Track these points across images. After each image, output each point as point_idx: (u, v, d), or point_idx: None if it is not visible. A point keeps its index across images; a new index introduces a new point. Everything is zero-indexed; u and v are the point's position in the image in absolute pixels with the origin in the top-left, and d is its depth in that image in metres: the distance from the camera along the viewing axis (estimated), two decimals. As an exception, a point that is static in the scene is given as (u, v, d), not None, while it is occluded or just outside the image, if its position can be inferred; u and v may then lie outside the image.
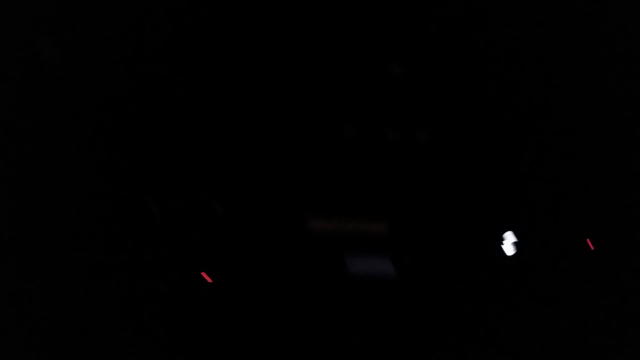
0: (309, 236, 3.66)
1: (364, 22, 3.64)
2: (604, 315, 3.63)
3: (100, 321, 3.39)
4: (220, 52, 3.57)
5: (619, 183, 3.72)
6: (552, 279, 3.74)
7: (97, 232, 3.46)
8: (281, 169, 3.65)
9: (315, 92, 3.63)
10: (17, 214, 3.37)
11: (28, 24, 3.37)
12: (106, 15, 3.43)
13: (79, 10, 3.41)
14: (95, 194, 3.47)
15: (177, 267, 3.52)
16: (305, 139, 3.67)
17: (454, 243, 3.75)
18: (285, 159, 3.65)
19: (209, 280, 3.52)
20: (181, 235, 3.53)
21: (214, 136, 3.59)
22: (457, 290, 3.71)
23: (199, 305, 3.53)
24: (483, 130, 3.71)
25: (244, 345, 3.51)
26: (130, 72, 3.49)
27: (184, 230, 3.53)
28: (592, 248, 3.72)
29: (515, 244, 3.75)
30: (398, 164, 3.72)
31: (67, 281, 3.39)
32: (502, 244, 3.75)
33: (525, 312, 3.69)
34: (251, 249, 3.61)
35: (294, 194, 3.65)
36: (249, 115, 3.64)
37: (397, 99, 3.67)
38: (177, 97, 3.55)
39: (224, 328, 3.52)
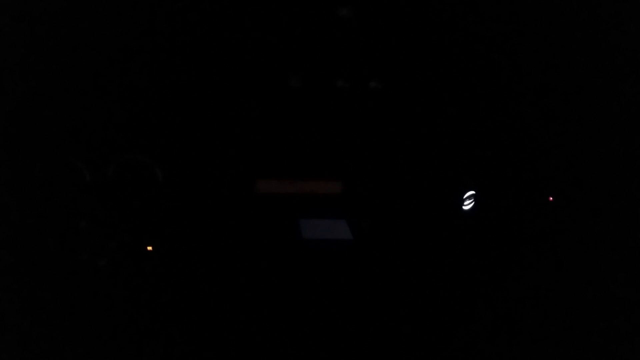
0: (258, 200, 3.41)
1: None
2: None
3: (40, 297, 3.14)
4: None
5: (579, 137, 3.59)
6: (514, 236, 3.63)
7: (27, 202, 3.16)
8: (225, 128, 3.36)
9: (257, 37, 3.32)
10: None
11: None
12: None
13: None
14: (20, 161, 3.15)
15: (116, 237, 3.25)
16: (249, 92, 3.37)
17: (413, 202, 3.57)
18: (229, 116, 3.36)
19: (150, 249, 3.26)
20: (118, 202, 3.25)
21: (153, 93, 3.27)
22: (416, 252, 3.56)
23: (141, 276, 3.28)
24: (444, 78, 3.48)
25: (191, 317, 3.31)
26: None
27: (121, 197, 3.24)
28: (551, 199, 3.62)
29: (475, 201, 3.60)
30: (350, 117, 3.47)
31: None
32: (463, 202, 3.60)
33: (487, 273, 3.59)
34: (196, 215, 3.35)
35: (240, 154, 3.38)
36: (190, 65, 3.31)
37: (345, 44, 3.39)
38: (116, 56, 3.22)
39: (169, 298, 3.31)
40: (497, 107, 3.59)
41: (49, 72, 3.14)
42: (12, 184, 3.14)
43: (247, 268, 3.38)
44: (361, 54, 3.40)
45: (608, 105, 3.55)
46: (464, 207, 3.61)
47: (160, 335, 3.22)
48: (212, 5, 3.24)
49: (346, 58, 3.40)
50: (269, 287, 3.39)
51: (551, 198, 3.64)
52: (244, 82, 3.36)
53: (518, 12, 3.43)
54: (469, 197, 3.61)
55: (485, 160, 3.63)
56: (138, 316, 3.23)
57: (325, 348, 3.38)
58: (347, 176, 3.50)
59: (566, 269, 3.61)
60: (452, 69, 3.50)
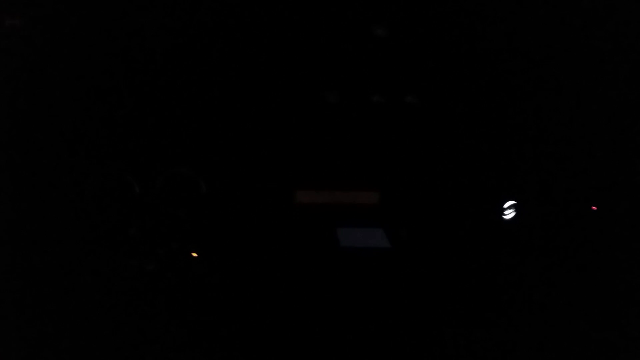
0: (297, 209, 3.54)
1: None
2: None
3: (87, 302, 3.37)
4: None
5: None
6: (554, 246, 3.59)
7: (80, 212, 3.40)
8: (266, 141, 3.50)
9: (296, 54, 3.44)
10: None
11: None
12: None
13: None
14: (75, 174, 3.40)
15: (164, 244, 3.45)
16: (289, 106, 3.49)
17: (450, 212, 3.60)
18: (268, 129, 3.50)
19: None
20: (165, 212, 3.45)
21: (195, 109, 3.45)
22: (454, 261, 3.58)
23: (187, 282, 3.47)
24: (478, 94, 3.50)
25: (234, 322, 3.47)
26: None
27: (167, 207, 3.45)
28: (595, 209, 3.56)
29: (514, 211, 3.59)
30: (387, 130, 3.54)
31: (53, 263, 3.37)
32: (503, 212, 3.59)
33: (527, 284, 3.56)
34: (237, 224, 3.51)
35: (280, 165, 3.51)
36: (232, 81, 3.47)
37: (383, 60, 3.46)
38: (158, 74, 3.42)
39: (213, 304, 3.47)
40: (538, 116, 3.56)
41: (100, 92, 3.38)
42: (71, 196, 3.40)
43: (287, 276, 3.51)
44: (397, 70, 3.48)
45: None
46: (504, 217, 3.60)
47: (203, 340, 3.40)
48: (253, 22, 3.39)
49: (382, 74, 3.48)
50: (308, 295, 3.50)
51: (594, 207, 3.59)
52: (283, 97, 3.49)
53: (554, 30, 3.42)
54: (509, 207, 3.60)
55: (526, 169, 3.61)
56: (182, 318, 3.42)
57: (363, 356, 3.45)
58: (384, 186, 3.57)
59: (610, 280, 3.54)
60: (490, 81, 3.51)
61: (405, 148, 3.55)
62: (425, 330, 3.50)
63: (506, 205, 3.60)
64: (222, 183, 3.48)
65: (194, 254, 3.47)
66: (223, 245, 3.51)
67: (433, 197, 3.60)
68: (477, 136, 3.55)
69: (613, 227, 3.56)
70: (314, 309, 3.48)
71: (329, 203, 3.55)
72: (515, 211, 3.60)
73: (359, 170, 3.56)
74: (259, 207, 3.51)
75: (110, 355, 3.33)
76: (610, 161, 3.53)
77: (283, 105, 3.48)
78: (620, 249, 3.54)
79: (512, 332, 3.52)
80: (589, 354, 3.45)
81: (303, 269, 3.53)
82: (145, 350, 3.35)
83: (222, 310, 3.46)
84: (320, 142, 3.52)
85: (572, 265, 3.58)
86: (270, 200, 3.52)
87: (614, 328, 3.47)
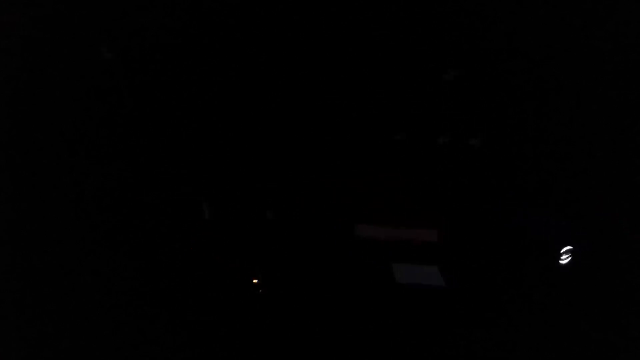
0: (357, 242, 3.59)
1: (421, 26, 3.54)
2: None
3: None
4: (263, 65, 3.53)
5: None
6: (610, 291, 3.55)
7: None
8: (330, 174, 3.61)
9: (365, 94, 3.60)
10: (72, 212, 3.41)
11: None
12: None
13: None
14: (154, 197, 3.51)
15: (228, 269, 3.54)
16: (354, 143, 3.63)
17: (508, 255, 3.59)
18: (333, 163, 3.62)
19: (257, 283, 3.53)
20: (232, 238, 3.57)
21: (267, 143, 3.61)
22: (509, 302, 3.56)
23: (248, 308, 3.52)
24: (537, 138, 3.54)
25: (293, 348, 3.47)
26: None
27: (235, 234, 3.57)
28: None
29: (572, 255, 3.56)
30: (450, 169, 3.60)
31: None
32: (560, 256, 3.58)
33: (581, 327, 3.52)
34: (299, 254, 3.59)
35: (343, 199, 3.60)
36: (300, 122, 3.63)
37: (450, 103, 3.54)
38: (224, 102, 3.57)
39: (272, 333, 3.50)
40: (595, 163, 3.58)
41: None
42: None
43: (344, 307, 3.53)
44: (462, 113, 3.56)
45: None
46: (561, 262, 3.59)
47: None
48: (329, 69, 3.52)
49: (449, 116, 3.59)
50: (364, 327, 3.51)
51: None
52: (352, 134, 3.64)
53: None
54: (566, 252, 3.58)
55: (584, 214, 3.61)
56: (241, 342, 3.44)
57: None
58: (444, 225, 3.60)
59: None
60: (551, 124, 3.56)
61: (467, 188, 3.61)
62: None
63: (563, 250, 3.57)
64: (285, 212, 3.60)
65: (255, 280, 3.53)
66: (283, 274, 3.57)
67: (491, 237, 3.60)
68: (537, 181, 3.60)
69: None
70: (368, 341, 3.47)
71: (388, 238, 3.60)
72: (571, 256, 3.57)
73: (420, 207, 3.61)
74: (320, 238, 3.59)
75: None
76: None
77: (351, 140, 3.62)
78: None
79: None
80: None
81: (359, 301, 3.54)
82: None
83: (280, 339, 3.48)
84: (384, 177, 3.61)
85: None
86: (330, 232, 3.60)
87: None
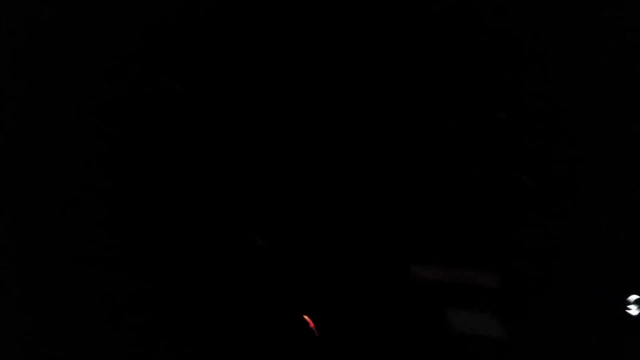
0: (413, 283, 3.45)
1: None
2: None
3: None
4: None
5: None
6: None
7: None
8: (387, 214, 3.55)
9: (425, 135, 3.59)
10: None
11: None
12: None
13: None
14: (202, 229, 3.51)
15: (279, 307, 3.43)
16: (412, 185, 3.59)
17: (572, 305, 3.45)
18: (391, 204, 3.56)
19: (312, 324, 3.37)
20: (284, 275, 3.48)
21: (324, 186, 3.61)
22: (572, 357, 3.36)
23: (301, 348, 3.36)
24: (600, 176, 3.57)
25: None
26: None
27: (286, 270, 3.49)
28: None
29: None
30: (512, 213, 3.53)
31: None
32: (627, 307, 3.44)
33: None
34: (354, 293, 3.45)
35: (400, 239, 3.52)
36: (358, 165, 3.65)
37: (505, 140, 3.56)
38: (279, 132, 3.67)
39: None
40: None
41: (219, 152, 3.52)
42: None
43: (397, 347, 3.35)
44: (516, 151, 3.56)
45: None
46: (629, 312, 3.43)
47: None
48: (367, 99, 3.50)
49: (503, 154, 3.56)
50: None
51: None
52: (410, 176, 3.61)
53: None
54: (635, 302, 3.44)
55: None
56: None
57: None
58: (507, 270, 3.47)
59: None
60: (603, 166, 3.57)
61: (531, 232, 3.52)
62: None
63: (632, 299, 3.45)
64: (338, 252, 3.51)
65: (305, 317, 3.39)
66: (335, 313, 3.42)
67: (556, 287, 3.47)
68: (602, 226, 3.54)
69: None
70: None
71: (445, 280, 3.44)
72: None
73: (481, 248, 3.49)
74: (373, 277, 3.46)
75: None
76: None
77: (407, 181, 3.57)
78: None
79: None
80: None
81: (412, 344, 3.35)
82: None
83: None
84: (443, 215, 3.54)
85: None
86: (384, 271, 3.46)
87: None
